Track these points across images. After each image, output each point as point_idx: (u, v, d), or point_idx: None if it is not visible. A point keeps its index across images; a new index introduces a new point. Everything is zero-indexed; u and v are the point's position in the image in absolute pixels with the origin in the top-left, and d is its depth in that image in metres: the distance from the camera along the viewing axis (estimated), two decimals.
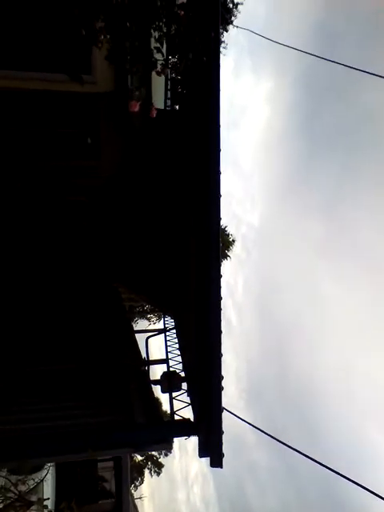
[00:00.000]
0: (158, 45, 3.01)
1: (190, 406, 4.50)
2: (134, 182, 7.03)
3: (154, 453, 39.42)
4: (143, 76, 3.00)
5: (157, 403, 5.07)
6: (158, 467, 40.62)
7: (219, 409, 3.46)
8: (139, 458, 40.27)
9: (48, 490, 9.27)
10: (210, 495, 57.03)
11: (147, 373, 5.85)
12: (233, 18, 17.79)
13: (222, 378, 3.52)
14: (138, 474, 40.51)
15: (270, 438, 3.84)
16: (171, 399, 4.64)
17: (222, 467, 3.41)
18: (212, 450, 3.46)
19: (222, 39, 18.87)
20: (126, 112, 3.81)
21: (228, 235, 15.29)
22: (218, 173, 3.49)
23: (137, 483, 41.03)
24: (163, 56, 3.11)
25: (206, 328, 3.44)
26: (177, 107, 5.72)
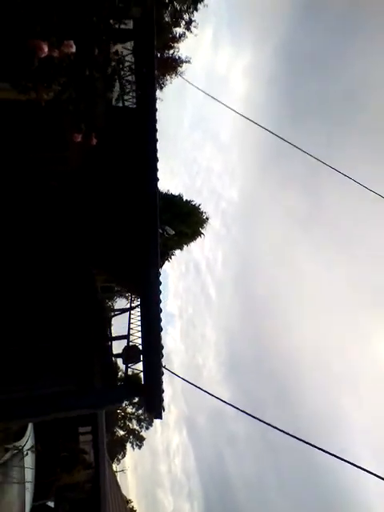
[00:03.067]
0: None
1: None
2: (98, 170, 7.57)
3: (135, 427, 40.83)
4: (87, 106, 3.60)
5: (114, 372, 5.81)
6: (140, 440, 41.99)
7: (159, 374, 4.20)
8: (121, 432, 41.65)
9: (29, 460, 9.98)
10: (190, 466, 59.21)
11: (109, 347, 6.57)
12: None
13: (162, 347, 4.24)
14: (120, 448, 41.92)
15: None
16: (126, 368, 5.37)
17: (161, 418, 4.18)
18: (153, 406, 4.21)
19: (194, 18, 19.10)
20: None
21: (201, 213, 15.52)
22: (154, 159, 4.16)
23: (119, 457, 42.49)
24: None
25: (148, 303, 4.13)
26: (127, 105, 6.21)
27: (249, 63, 57.06)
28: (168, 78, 22.73)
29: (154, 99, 4.08)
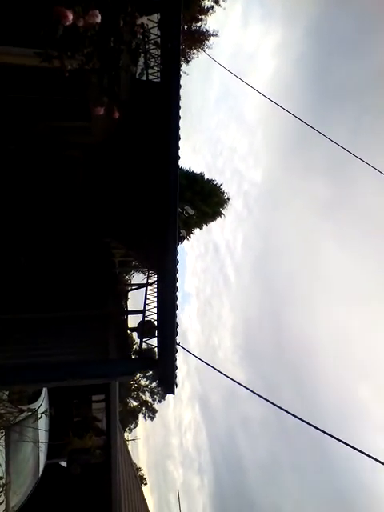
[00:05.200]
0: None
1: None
2: (121, 142, 7.55)
3: (148, 399, 41.80)
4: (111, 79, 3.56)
5: (129, 345, 5.94)
6: (152, 412, 43.03)
7: (173, 347, 4.27)
8: (134, 403, 42.73)
9: (43, 422, 10.39)
10: (202, 442, 60.43)
11: (125, 320, 6.70)
12: None
13: (177, 324, 4.30)
14: (132, 418, 43.09)
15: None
16: (141, 342, 5.49)
17: (173, 393, 4.28)
18: (166, 381, 4.31)
19: None
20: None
21: (223, 193, 15.38)
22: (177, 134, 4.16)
23: (131, 427, 43.70)
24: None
25: (165, 280, 4.18)
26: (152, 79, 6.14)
27: (278, 42, 54.92)
28: (194, 51, 22.23)
29: (178, 76, 4.01)
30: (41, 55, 3.56)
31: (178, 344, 4.40)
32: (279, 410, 4.13)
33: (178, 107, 4.37)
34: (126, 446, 18.39)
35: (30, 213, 8.96)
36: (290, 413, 4.05)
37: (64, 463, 10.79)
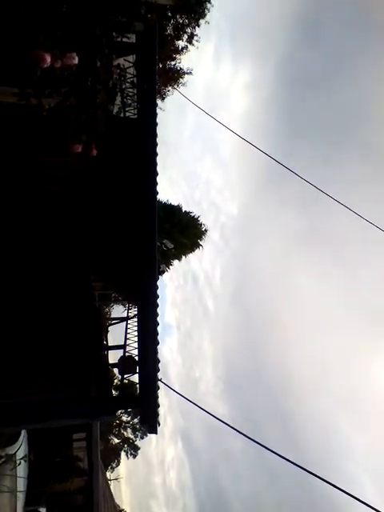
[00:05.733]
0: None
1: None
2: (99, 177, 7.61)
3: (130, 435, 40.45)
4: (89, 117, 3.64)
5: (110, 382, 5.78)
6: (134, 450, 41.57)
7: (155, 386, 4.17)
8: (116, 441, 41.25)
9: (21, 468, 9.91)
10: (186, 479, 58.46)
11: (106, 356, 6.54)
12: (206, 10, 18.01)
13: (159, 361, 4.22)
14: (114, 456, 41.48)
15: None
16: (122, 379, 5.35)
17: (156, 433, 4.14)
18: (149, 420, 4.18)
19: (195, 33, 19.42)
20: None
21: (200, 225, 15.54)
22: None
23: (113, 465, 41.99)
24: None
25: (145, 317, 4.13)
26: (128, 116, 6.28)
27: (249, 80, 57.34)
28: (169, 88, 22.90)
29: (154, 114, 4.14)
30: (19, 94, 3.62)
31: (160, 380, 4.31)
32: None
33: (155, 144, 4.46)
34: (108, 486, 17.59)
35: (7, 244, 8.83)
36: (271, 450, 4.03)
37: (43, 510, 10.25)
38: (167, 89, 22.27)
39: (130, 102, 5.32)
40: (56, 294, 8.47)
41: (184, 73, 22.76)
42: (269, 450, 4.04)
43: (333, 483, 3.64)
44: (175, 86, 21.65)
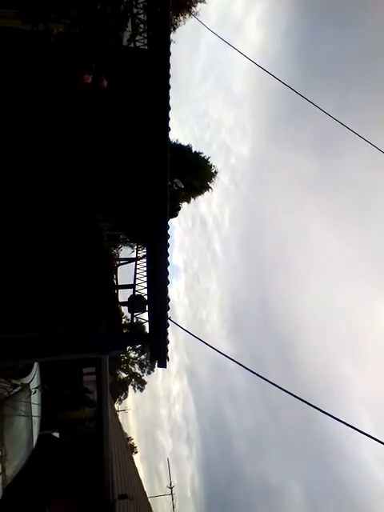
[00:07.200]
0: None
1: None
2: (108, 113, 7.31)
3: (137, 371, 42.42)
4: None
5: (120, 319, 5.95)
6: (141, 384, 43.71)
7: (165, 323, 4.28)
8: (124, 375, 43.33)
9: (36, 396, 10.53)
10: (190, 413, 61.79)
11: (116, 295, 6.67)
12: None
13: (169, 299, 4.30)
14: (122, 389, 43.79)
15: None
16: (132, 316, 5.49)
17: (166, 367, 4.32)
18: (159, 355, 4.33)
19: None
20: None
21: (211, 166, 15.11)
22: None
23: (121, 397, 44.45)
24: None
25: (155, 257, 4.15)
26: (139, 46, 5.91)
27: (265, 11, 53.08)
28: (181, 18, 21.43)
29: (168, 42, 3.85)
30: (24, 16, 3.38)
31: (169, 318, 4.42)
32: (265, 382, 4.20)
33: (168, 76, 4.21)
34: (116, 416, 18.73)
35: (18, 185, 8.73)
36: (275, 384, 4.13)
37: (57, 434, 11.02)
38: (178, 18, 20.85)
39: (141, 29, 4.98)
40: (66, 234, 8.49)
41: (197, 1, 21.19)
42: (271, 383, 4.15)
43: (333, 415, 3.76)
44: (187, 15, 20.26)
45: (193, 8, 21.89)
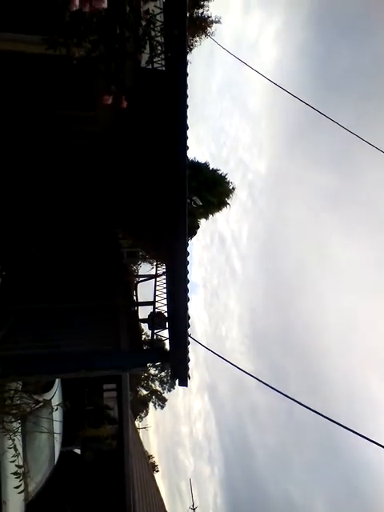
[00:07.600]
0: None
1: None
2: (127, 132, 7.47)
3: (157, 388, 42.20)
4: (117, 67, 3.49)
5: (140, 336, 5.95)
6: (162, 401, 43.48)
7: (186, 341, 4.27)
8: (144, 392, 43.16)
9: (57, 413, 10.61)
10: (211, 431, 60.93)
11: (136, 312, 6.70)
12: None
13: (189, 317, 4.30)
14: (142, 406, 43.59)
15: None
16: (152, 334, 5.49)
17: (187, 386, 4.28)
18: (179, 374, 4.31)
19: None
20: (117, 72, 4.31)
21: (228, 183, 15.22)
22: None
23: (142, 415, 44.24)
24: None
25: (174, 274, 4.16)
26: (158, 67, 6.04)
27: (280, 29, 53.71)
28: (197, 38, 21.89)
29: (185, 63, 3.93)
30: (47, 41, 3.50)
31: (190, 336, 4.40)
32: (288, 399, 4.12)
33: (186, 95, 4.29)
34: (137, 433, 18.62)
35: (40, 203, 8.94)
36: (296, 401, 4.04)
37: (78, 450, 11.06)
38: (194, 39, 21.32)
39: (159, 51, 5.10)
40: (87, 250, 8.64)
41: (212, 21, 21.66)
42: (292, 399, 4.07)
43: (358, 432, 3.65)
44: (203, 36, 20.67)
45: (208, 29, 22.38)
